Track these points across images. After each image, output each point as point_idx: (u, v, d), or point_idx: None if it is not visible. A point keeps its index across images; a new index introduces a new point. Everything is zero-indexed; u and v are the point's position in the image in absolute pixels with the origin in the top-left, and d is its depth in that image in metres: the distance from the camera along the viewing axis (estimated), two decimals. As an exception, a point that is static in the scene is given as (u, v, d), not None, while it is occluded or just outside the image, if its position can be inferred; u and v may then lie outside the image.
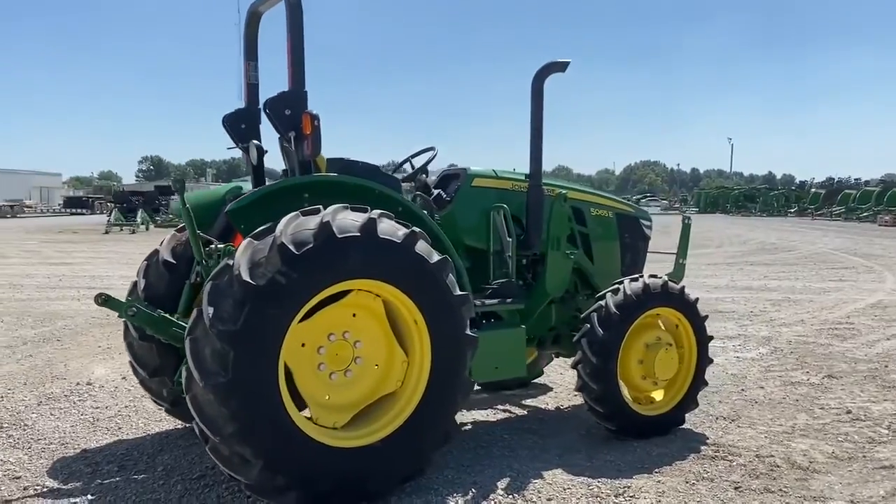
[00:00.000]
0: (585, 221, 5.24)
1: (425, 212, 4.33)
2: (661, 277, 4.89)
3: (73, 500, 3.87)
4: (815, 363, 7.08)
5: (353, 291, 3.77)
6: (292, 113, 4.08)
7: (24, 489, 4.02)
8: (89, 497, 3.90)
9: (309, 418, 3.70)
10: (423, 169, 4.93)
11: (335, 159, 4.26)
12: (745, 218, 50.28)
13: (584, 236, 5.25)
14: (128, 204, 41.07)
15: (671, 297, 4.86)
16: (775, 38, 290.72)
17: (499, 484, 4.10)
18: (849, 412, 5.47)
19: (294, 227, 3.55)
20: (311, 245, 3.50)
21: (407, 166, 5.12)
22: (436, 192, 4.97)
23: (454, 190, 4.89)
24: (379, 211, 3.79)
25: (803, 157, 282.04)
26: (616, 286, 4.79)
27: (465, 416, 5.40)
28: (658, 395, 5.05)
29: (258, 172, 4.52)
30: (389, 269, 3.74)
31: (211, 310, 3.37)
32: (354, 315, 3.85)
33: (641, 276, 4.86)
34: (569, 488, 4.06)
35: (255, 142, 4.50)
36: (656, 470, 4.33)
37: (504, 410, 5.58)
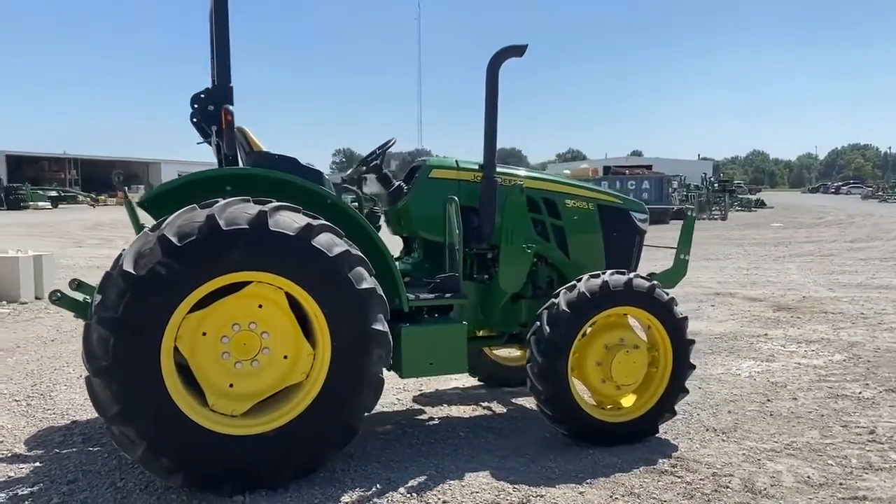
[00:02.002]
0: (559, 213, 4.95)
1: (354, 204, 4.32)
2: (625, 274, 4.53)
3: (21, 466, 4.27)
4: (887, 374, 6.23)
5: (252, 283, 3.84)
6: (215, 108, 4.22)
7: (-4, 453, 4.50)
8: (37, 464, 4.28)
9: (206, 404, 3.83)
10: (367, 161, 4.88)
11: (258, 152, 4.34)
12: (956, 207, 44.63)
13: (559, 229, 4.96)
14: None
15: (636, 296, 4.49)
16: None
17: (411, 482, 4.01)
18: (872, 432, 4.78)
19: (183, 219, 3.68)
20: (194, 237, 3.61)
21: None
22: (396, 183, 4.92)
23: (412, 181, 4.81)
24: (277, 203, 3.83)
25: None
26: (573, 283, 4.51)
27: (437, 411, 5.34)
28: (628, 400, 4.70)
29: (222, 165, 4.70)
30: (281, 262, 3.77)
31: (99, 297, 3.59)
32: (261, 306, 3.91)
33: (602, 273, 4.53)
34: (478, 492, 3.89)
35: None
36: (588, 480, 4.04)
37: (485, 407, 5.43)
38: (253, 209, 3.75)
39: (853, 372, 6.34)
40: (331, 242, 3.85)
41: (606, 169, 38.54)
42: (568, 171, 38.02)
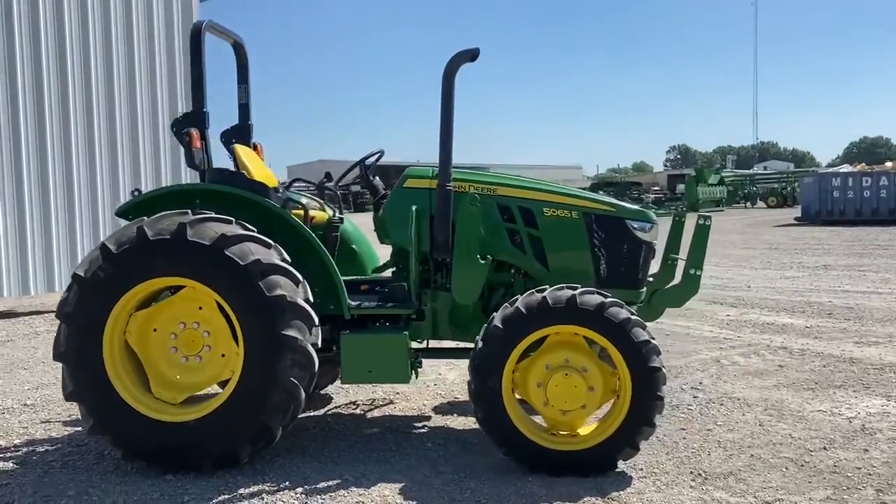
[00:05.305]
0: (536, 223, 4.63)
1: (295, 213, 4.58)
2: (574, 290, 4.13)
3: (67, 428, 5.24)
4: None
5: (186, 287, 4.31)
6: (188, 131, 4.75)
7: (42, 411, 5.55)
8: (78, 429, 5.21)
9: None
10: (341, 175, 5.04)
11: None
12: None
13: (536, 240, 4.64)
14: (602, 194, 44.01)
15: (581, 314, 4.08)
16: None
17: (320, 484, 4.13)
18: (904, 503, 3.75)
19: (126, 229, 4.28)
20: (126, 245, 4.19)
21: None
22: (382, 192, 5.03)
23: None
24: (205, 215, 4.25)
25: None
26: (516, 297, 4.25)
27: (443, 420, 5.32)
28: (586, 429, 4.28)
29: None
30: (198, 269, 4.18)
31: (64, 295, 4.34)
32: (201, 308, 4.37)
33: (546, 289, 4.19)
34: (362, 503, 3.92)
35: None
36: (485, 508, 3.82)
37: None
38: (177, 220, 4.21)
39: None
40: (244, 252, 4.16)
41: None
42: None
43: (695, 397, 5.71)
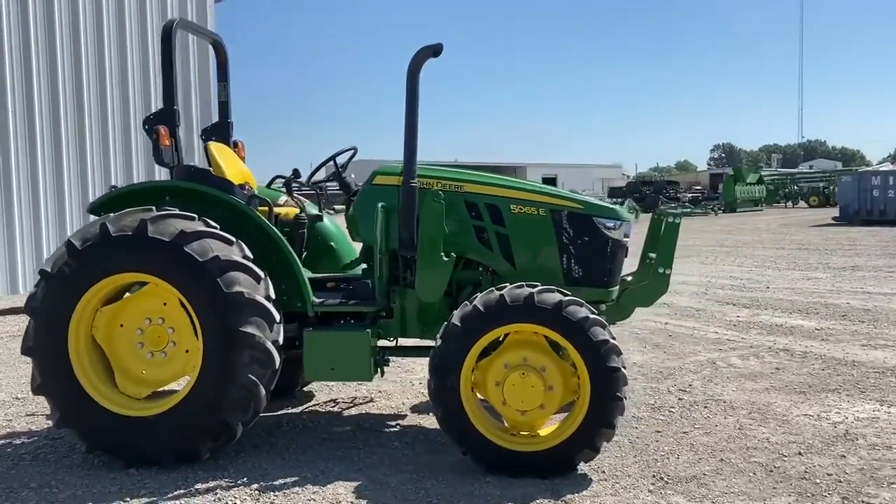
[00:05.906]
0: (503, 220, 4.56)
1: (260, 210, 4.59)
2: (531, 289, 4.06)
3: (13, 429, 5.33)
4: None
5: (149, 283, 4.34)
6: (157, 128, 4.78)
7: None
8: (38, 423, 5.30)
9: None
10: (311, 172, 5.03)
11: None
12: None
13: (503, 237, 4.57)
14: (639, 193, 43.66)
15: (539, 312, 4.01)
16: None
17: (278, 480, 4.13)
18: (866, 512, 3.61)
19: (91, 226, 4.34)
20: (90, 242, 4.24)
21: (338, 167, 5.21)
22: (355, 189, 5.01)
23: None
24: (167, 212, 4.28)
25: None
26: (475, 296, 4.19)
27: (418, 419, 5.27)
28: (546, 429, 4.21)
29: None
30: (158, 265, 4.22)
31: (33, 290, 4.41)
32: (165, 304, 4.40)
33: (505, 287, 4.13)
34: (312, 500, 3.90)
35: None
36: (432, 507, 3.78)
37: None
38: (139, 217, 4.24)
39: None
40: (204, 248, 4.17)
41: None
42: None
43: (679, 399, 5.59)
